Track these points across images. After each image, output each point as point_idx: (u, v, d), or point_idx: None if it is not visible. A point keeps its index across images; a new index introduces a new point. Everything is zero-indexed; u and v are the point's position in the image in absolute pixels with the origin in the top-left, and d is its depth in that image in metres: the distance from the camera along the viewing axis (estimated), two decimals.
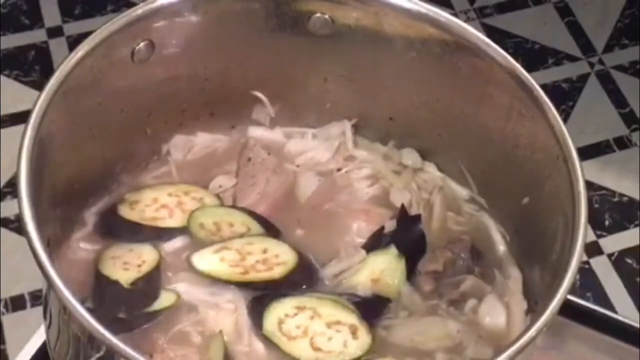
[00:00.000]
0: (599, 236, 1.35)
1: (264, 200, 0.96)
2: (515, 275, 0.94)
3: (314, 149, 1.01)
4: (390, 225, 0.95)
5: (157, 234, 0.92)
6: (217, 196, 0.96)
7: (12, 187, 1.42)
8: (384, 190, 0.99)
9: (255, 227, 0.93)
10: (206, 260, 0.90)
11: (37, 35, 1.54)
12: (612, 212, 1.39)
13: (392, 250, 0.92)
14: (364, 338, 0.87)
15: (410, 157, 1.01)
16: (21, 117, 1.47)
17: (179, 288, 0.89)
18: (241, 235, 0.92)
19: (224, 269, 0.89)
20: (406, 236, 0.94)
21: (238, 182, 0.98)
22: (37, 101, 0.83)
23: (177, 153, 0.99)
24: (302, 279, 0.91)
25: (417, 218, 0.96)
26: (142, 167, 0.98)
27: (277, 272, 0.90)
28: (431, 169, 1.01)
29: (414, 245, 0.94)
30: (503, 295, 0.92)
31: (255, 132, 1.01)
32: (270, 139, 1.01)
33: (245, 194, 0.97)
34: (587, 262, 1.32)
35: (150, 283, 0.88)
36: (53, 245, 0.86)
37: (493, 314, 0.91)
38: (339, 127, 1.02)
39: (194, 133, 1.00)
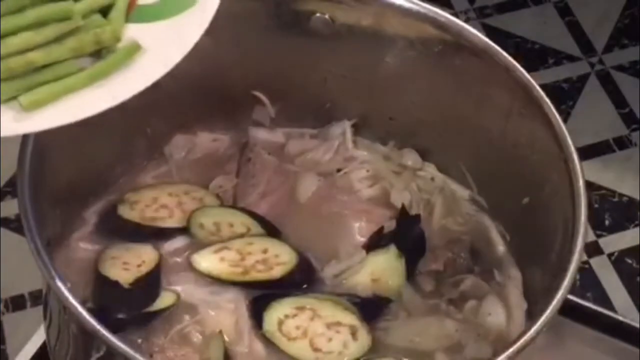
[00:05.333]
0: (599, 236, 1.35)
1: (264, 200, 0.96)
2: (515, 275, 0.94)
3: (314, 150, 1.01)
4: (390, 225, 0.95)
5: (157, 234, 0.92)
6: (217, 196, 0.96)
7: (12, 187, 1.41)
8: (384, 190, 0.99)
9: (255, 227, 0.93)
10: (206, 260, 0.90)
11: None
12: (612, 212, 1.39)
13: (392, 250, 0.92)
14: (364, 339, 0.87)
15: (410, 157, 1.01)
16: None
17: (179, 288, 0.89)
18: (241, 236, 0.92)
19: (224, 268, 0.89)
20: (406, 236, 0.94)
21: (238, 183, 0.98)
22: None
23: (178, 153, 0.99)
24: (302, 279, 0.91)
25: (417, 218, 0.96)
26: (142, 166, 0.98)
27: (277, 272, 0.90)
28: (431, 170, 1.01)
29: (414, 245, 0.94)
30: (503, 295, 0.93)
31: (256, 132, 1.01)
32: (270, 139, 1.01)
33: (245, 194, 0.97)
34: (587, 262, 1.32)
35: (150, 283, 0.88)
36: (53, 245, 0.86)
37: (493, 314, 0.91)
38: (339, 127, 1.02)
39: (194, 133, 1.00)
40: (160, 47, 0.74)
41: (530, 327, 0.77)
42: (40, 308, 1.03)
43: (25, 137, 0.81)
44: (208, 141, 1.00)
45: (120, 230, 0.92)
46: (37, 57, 0.71)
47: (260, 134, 1.01)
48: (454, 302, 0.92)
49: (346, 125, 1.02)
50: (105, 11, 0.75)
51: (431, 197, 0.99)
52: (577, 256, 0.80)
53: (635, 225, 1.38)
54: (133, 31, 0.75)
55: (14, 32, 0.70)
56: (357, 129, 1.02)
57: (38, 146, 0.81)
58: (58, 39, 0.72)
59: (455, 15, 1.42)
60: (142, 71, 0.73)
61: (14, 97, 0.70)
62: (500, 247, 0.96)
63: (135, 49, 0.73)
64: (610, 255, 1.34)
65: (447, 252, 0.94)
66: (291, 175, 0.99)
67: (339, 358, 0.86)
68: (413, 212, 0.97)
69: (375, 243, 0.94)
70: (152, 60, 0.73)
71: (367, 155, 1.01)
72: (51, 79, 0.71)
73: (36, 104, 0.70)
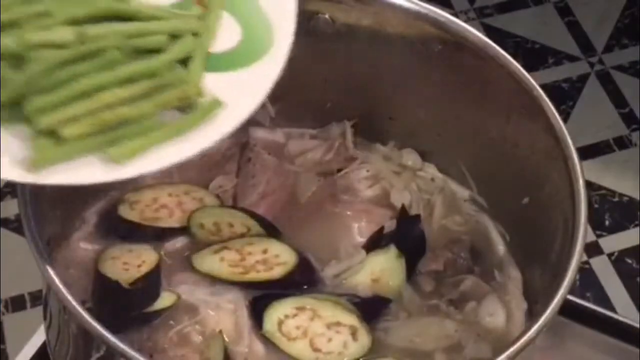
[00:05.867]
0: (599, 236, 1.35)
1: (264, 200, 0.96)
2: (515, 275, 0.94)
3: (314, 150, 1.01)
4: (390, 225, 0.95)
5: (157, 234, 0.92)
6: (217, 196, 0.96)
7: (12, 187, 1.41)
8: (385, 190, 0.99)
9: (256, 227, 0.93)
10: (206, 260, 0.90)
11: None
12: (612, 212, 1.39)
13: (392, 250, 0.92)
14: (364, 339, 0.87)
15: (410, 157, 1.01)
16: None
17: (179, 288, 0.89)
18: (241, 236, 0.92)
19: (224, 269, 0.89)
20: (406, 236, 0.94)
21: (238, 183, 0.98)
22: None
23: None
24: (302, 279, 0.91)
25: (417, 218, 0.96)
26: None
27: (277, 272, 0.90)
28: (431, 170, 1.01)
29: (414, 245, 0.94)
30: (503, 295, 0.93)
31: (256, 132, 1.01)
32: (270, 139, 1.01)
33: (245, 194, 0.97)
34: (587, 262, 1.32)
35: (150, 283, 0.88)
36: (53, 245, 0.86)
37: (493, 314, 0.91)
38: (339, 127, 1.02)
39: None
40: (233, 98, 0.75)
41: (530, 327, 0.77)
42: (40, 308, 1.03)
43: None
44: None
45: (121, 230, 0.92)
46: (128, 112, 0.73)
47: (260, 134, 1.01)
48: (454, 302, 0.92)
49: (346, 126, 1.02)
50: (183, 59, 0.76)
51: (431, 197, 0.99)
52: (577, 256, 0.80)
53: (635, 225, 1.37)
54: (208, 80, 0.76)
55: (105, 88, 0.72)
56: (357, 129, 1.02)
57: None
58: (145, 94, 0.74)
59: (455, 15, 1.42)
60: (218, 122, 0.75)
61: (101, 149, 0.72)
62: (500, 247, 0.96)
63: (216, 105, 0.75)
64: (610, 255, 1.34)
65: (447, 252, 0.94)
66: (291, 176, 0.99)
67: (339, 358, 0.86)
68: (413, 212, 0.97)
69: (375, 243, 0.94)
70: (226, 111, 0.75)
71: (367, 155, 1.01)
72: (137, 132, 0.73)
73: (125, 157, 0.72)
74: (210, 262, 0.90)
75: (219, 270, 0.90)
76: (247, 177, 0.98)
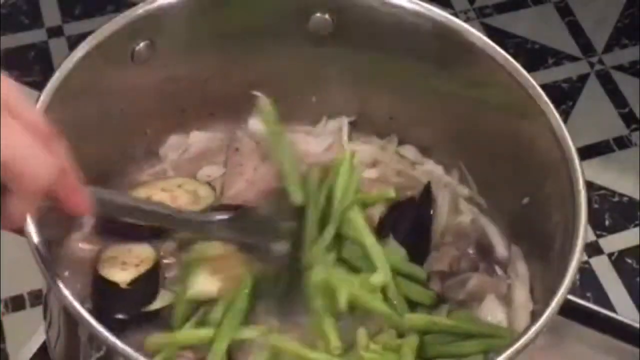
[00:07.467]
0: (599, 236, 1.35)
1: (251, 188, 0.96)
2: (522, 272, 0.93)
3: (308, 143, 1.00)
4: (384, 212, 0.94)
5: (154, 233, 0.92)
6: (209, 185, 0.95)
7: None
8: (382, 175, 0.99)
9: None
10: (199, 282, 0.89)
11: (37, 35, 1.53)
12: (612, 212, 1.38)
13: (392, 242, 0.91)
14: None
15: (410, 154, 1.01)
16: None
17: (177, 287, 0.89)
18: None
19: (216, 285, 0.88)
20: (403, 223, 0.93)
21: (226, 172, 0.97)
22: (37, 101, 0.83)
23: (173, 153, 0.99)
24: None
25: (411, 201, 0.95)
26: (140, 166, 0.98)
27: None
28: (430, 165, 1.00)
29: (412, 231, 0.93)
30: (509, 294, 0.92)
31: (254, 125, 1.00)
32: (261, 131, 1.00)
33: (233, 182, 0.96)
34: (587, 262, 1.31)
35: (149, 282, 0.88)
36: (53, 245, 0.86)
37: (493, 312, 0.91)
38: (336, 123, 1.01)
39: (191, 133, 1.00)
40: None
41: (530, 327, 0.77)
42: (40, 308, 1.03)
43: None
44: (204, 140, 1.00)
45: (118, 230, 0.92)
46: None
47: (258, 127, 1.00)
48: (460, 302, 0.91)
49: (343, 121, 1.01)
50: None
51: (434, 191, 0.98)
52: (577, 256, 0.80)
53: (635, 225, 1.37)
54: None
55: None
56: (357, 129, 1.02)
57: None
58: None
59: (455, 15, 1.41)
60: None
61: None
62: (500, 248, 0.96)
63: None
64: (610, 255, 1.33)
65: (453, 249, 0.94)
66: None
67: None
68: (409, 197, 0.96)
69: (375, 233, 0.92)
70: None
71: (363, 146, 1.01)
72: None
73: None
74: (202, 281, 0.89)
75: (210, 289, 0.89)
76: (235, 165, 0.97)
